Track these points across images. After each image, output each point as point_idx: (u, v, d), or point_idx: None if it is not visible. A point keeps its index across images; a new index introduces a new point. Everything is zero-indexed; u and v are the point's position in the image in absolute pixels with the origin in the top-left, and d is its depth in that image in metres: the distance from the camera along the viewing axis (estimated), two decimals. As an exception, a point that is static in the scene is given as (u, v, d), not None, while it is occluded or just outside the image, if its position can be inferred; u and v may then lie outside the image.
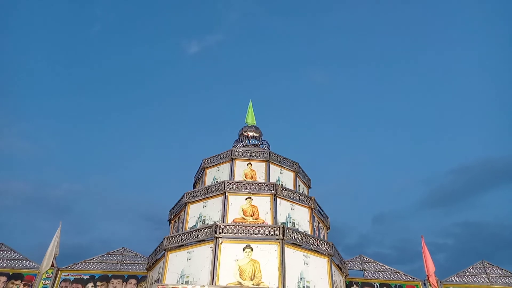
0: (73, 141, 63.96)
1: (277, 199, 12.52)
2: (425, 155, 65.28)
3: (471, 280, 14.67)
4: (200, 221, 12.37)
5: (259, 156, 14.32)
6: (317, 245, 11.52)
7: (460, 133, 63.62)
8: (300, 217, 12.74)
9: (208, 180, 14.37)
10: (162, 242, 11.79)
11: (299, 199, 13.08)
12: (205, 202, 12.79)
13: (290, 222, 12.33)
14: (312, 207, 13.13)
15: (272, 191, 12.56)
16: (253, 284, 10.07)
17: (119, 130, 67.55)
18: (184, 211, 13.01)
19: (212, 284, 9.85)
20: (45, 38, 61.13)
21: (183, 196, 13.39)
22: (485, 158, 58.25)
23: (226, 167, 14.29)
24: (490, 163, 57.68)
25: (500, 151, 58.09)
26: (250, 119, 16.94)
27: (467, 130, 63.36)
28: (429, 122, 66.74)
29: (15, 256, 14.58)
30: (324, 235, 13.73)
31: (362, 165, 66.22)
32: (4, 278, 13.92)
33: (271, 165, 14.20)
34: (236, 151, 14.39)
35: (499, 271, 14.93)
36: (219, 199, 12.52)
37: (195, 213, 12.73)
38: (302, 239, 11.31)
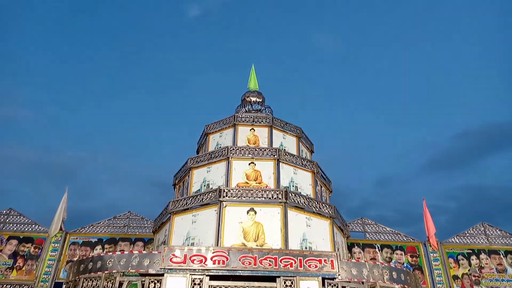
0: (76, 108, 63.92)
1: (280, 163, 12.61)
2: (429, 120, 65.00)
3: (470, 241, 14.98)
4: (204, 186, 12.53)
5: (262, 121, 14.30)
6: (319, 208, 11.71)
7: (465, 97, 62.95)
8: (302, 181, 12.86)
9: (212, 146, 14.44)
10: (167, 206, 12.02)
11: (302, 163, 13.16)
12: (208, 167, 12.90)
13: (293, 186, 12.47)
14: (315, 171, 13.24)
15: (275, 156, 12.63)
16: (256, 245, 10.33)
17: (122, 96, 67.30)
18: (188, 176, 13.16)
19: (217, 245, 10.11)
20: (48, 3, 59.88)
21: (187, 162, 13.51)
22: (489, 123, 57.97)
23: (229, 132, 14.31)
24: (493, 128, 57.47)
25: (504, 115, 57.74)
26: (253, 84, 16.77)
27: (471, 94, 62.64)
28: (434, 86, 65.90)
29: (25, 221, 14.95)
30: (326, 198, 13.92)
31: (366, 129, 66.12)
32: (15, 241, 14.34)
33: (274, 130, 14.20)
34: (239, 117, 14.36)
35: (498, 232, 15.21)
36: (223, 164, 12.62)
37: (199, 178, 12.88)
38: (304, 202, 11.49)
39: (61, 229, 14.45)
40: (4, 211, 15.10)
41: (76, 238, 14.71)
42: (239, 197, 11.14)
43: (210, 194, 11.35)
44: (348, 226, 13.86)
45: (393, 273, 9.63)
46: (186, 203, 11.52)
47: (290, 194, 11.28)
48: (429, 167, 62.22)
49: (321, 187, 13.73)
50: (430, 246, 14.48)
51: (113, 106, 66.73)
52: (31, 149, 56.67)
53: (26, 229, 14.72)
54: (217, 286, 8.81)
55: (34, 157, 56.62)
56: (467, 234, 15.14)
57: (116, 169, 62.43)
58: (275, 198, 11.16)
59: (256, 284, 8.88)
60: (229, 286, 8.82)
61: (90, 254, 12.51)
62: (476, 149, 59.06)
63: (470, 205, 56.40)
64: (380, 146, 64.85)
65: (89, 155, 61.90)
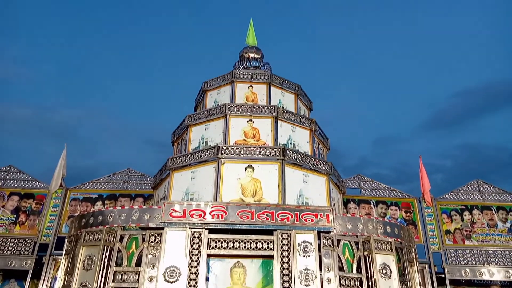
0: (71, 64, 62.85)
1: (278, 121, 12.59)
2: (428, 79, 64.37)
3: (464, 197, 15.29)
4: (203, 143, 12.57)
5: (260, 78, 14.12)
6: (317, 164, 11.83)
7: (464, 56, 62.02)
8: (300, 138, 12.90)
9: (209, 103, 14.34)
10: (166, 162, 12.12)
11: (300, 121, 13.15)
12: (206, 125, 12.89)
13: (291, 143, 12.52)
14: (313, 129, 13.25)
15: (273, 114, 12.59)
16: (254, 201, 10.53)
17: (119, 54, 65.97)
18: (186, 134, 13.17)
19: (216, 201, 10.30)
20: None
21: (184, 119, 13.46)
22: (488, 81, 57.56)
23: (227, 89, 14.17)
24: (493, 86, 57.13)
25: (503, 74, 57.14)
26: (251, 40, 16.40)
27: (471, 53, 61.66)
28: (433, 45, 64.70)
29: (25, 177, 15.11)
30: (323, 155, 14.03)
31: (365, 88, 65.63)
32: (16, 198, 14.57)
33: (272, 88, 14.06)
34: (237, 73, 14.16)
35: (492, 189, 15.49)
36: (221, 122, 12.60)
37: (197, 135, 12.89)
38: (302, 160, 11.59)
39: (61, 185, 14.64)
40: (4, 168, 15.22)
41: (77, 194, 14.94)
42: (237, 154, 11.22)
43: (208, 151, 11.41)
44: (344, 183, 14.08)
45: (387, 227, 9.89)
46: (185, 160, 11.61)
47: (287, 152, 11.36)
48: (427, 126, 62.45)
49: (319, 144, 13.80)
50: (425, 202, 14.80)
51: (109, 63, 65.62)
52: (27, 108, 56.36)
53: (27, 185, 14.90)
54: (216, 239, 9.05)
55: (31, 115, 56.42)
56: (461, 191, 15.43)
57: (113, 128, 62.41)
58: (272, 155, 11.25)
59: (254, 237, 9.12)
60: (227, 239, 9.07)
61: (91, 210, 12.72)
62: (474, 108, 59.02)
63: (466, 164, 57.16)
64: (379, 105, 64.65)
65: (86, 113, 61.68)
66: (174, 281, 8.43)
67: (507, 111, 58.12)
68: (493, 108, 58.77)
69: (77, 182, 15.41)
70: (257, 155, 11.23)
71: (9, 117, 54.82)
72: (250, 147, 11.38)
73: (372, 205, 15.01)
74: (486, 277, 13.68)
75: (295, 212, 9.28)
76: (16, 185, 14.88)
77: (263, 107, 12.76)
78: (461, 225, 14.69)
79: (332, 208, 9.59)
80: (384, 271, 9.07)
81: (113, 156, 58.33)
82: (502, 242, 14.45)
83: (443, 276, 13.74)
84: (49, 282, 12.99)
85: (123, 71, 66.47)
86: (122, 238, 9.17)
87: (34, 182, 15.01)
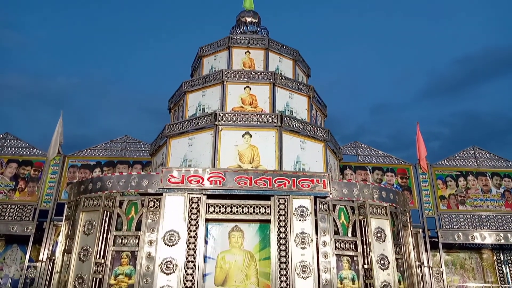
0: (65, 31, 61.52)
1: (276, 88, 12.49)
2: (427, 45, 63.49)
3: (460, 163, 15.44)
4: (200, 110, 12.51)
5: (257, 43, 13.87)
6: (314, 131, 11.84)
7: (464, 21, 60.94)
8: (298, 105, 12.84)
9: (206, 69, 14.15)
10: (163, 129, 12.10)
11: (298, 88, 13.04)
12: (203, 92, 12.78)
13: (288, 110, 12.48)
14: (311, 95, 13.17)
15: (271, 80, 12.46)
16: (252, 167, 10.61)
17: (114, 20, 64.50)
18: (183, 100, 13.08)
19: (214, 167, 10.37)
20: None
21: (181, 86, 13.33)
22: (488, 48, 56.82)
23: (223, 55, 13.94)
24: (492, 53, 56.46)
25: (503, 40, 56.36)
26: (248, 3, 15.97)
27: (471, 18, 60.56)
28: (433, 11, 63.40)
29: (22, 145, 15.09)
30: (321, 122, 14.03)
31: (363, 55, 64.79)
32: (14, 165, 14.61)
33: (270, 53, 13.84)
34: (234, 38, 13.90)
35: (488, 155, 15.62)
36: (218, 88, 12.49)
37: (194, 102, 12.81)
38: (299, 126, 11.59)
39: (59, 152, 14.65)
40: (1, 135, 15.16)
41: (75, 161, 14.98)
42: (235, 121, 11.20)
43: (205, 118, 11.38)
44: (341, 150, 14.15)
45: (383, 192, 10.03)
46: (182, 127, 11.59)
47: (285, 118, 11.33)
48: (426, 94, 62.18)
49: (316, 111, 13.76)
50: (420, 168, 14.94)
51: (104, 31, 64.24)
52: (22, 76, 55.61)
53: (25, 152, 14.90)
54: (214, 204, 9.19)
55: (26, 83, 55.76)
56: (457, 157, 15.56)
57: (110, 95, 61.91)
58: (270, 122, 11.23)
59: (251, 202, 9.26)
60: (225, 204, 9.20)
61: (90, 177, 12.81)
62: (473, 75, 58.61)
63: (463, 132, 57.39)
64: (377, 73, 64.07)
65: (82, 81, 60.99)
66: (174, 245, 8.62)
67: (506, 78, 57.80)
68: (493, 75, 58.39)
69: (74, 150, 15.45)
70: (254, 122, 11.22)
71: (5, 85, 54.17)
72: (247, 114, 11.34)
73: (368, 172, 15.17)
74: (478, 240, 14.04)
75: (292, 178, 9.38)
76: (13, 152, 14.88)
77: (261, 73, 12.61)
78: (455, 191, 14.92)
79: (328, 174, 9.69)
80: (378, 235, 9.29)
81: (110, 125, 58.19)
82: (495, 207, 14.73)
83: (436, 240, 14.09)
84: (51, 247, 13.25)
85: (118, 38, 65.16)
86: (121, 203, 9.29)
87: (31, 149, 15.00)
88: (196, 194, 9.13)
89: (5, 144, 15.01)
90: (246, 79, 12.50)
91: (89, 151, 15.26)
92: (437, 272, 13.76)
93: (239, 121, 11.20)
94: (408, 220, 10.82)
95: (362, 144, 15.90)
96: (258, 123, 11.22)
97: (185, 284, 8.35)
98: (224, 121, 11.13)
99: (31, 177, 14.45)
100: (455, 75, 58.92)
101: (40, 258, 13.14)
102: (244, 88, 12.46)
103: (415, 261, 10.66)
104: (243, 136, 11.10)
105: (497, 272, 14.81)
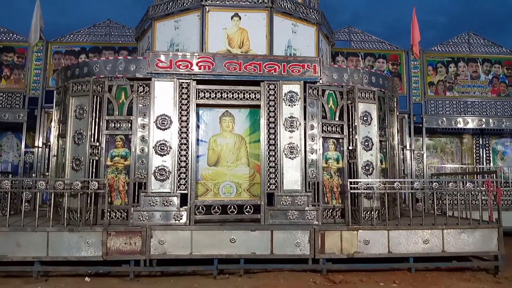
0: None
1: (267, -35, 11.52)
2: None
3: (452, 49, 15.21)
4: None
5: None
6: (307, 13, 11.32)
7: None
8: (290, -15, 12.02)
9: None
10: (147, 11, 11.46)
11: (291, -35, 12.05)
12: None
13: (280, -9, 11.70)
14: (304, -26, 12.26)
15: (261, -45, 11.43)
16: (241, 52, 10.37)
17: None
18: (167, -20, 12.12)
19: (202, 52, 10.11)
20: None
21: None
22: None
23: None
24: None
25: None
26: None
27: None
28: None
29: (1, 30, 14.35)
30: (314, 4, 13.32)
31: None
32: (-4, 49, 14.09)
33: None
34: None
35: (482, 41, 15.32)
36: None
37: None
38: (291, 8, 11.03)
39: (41, 38, 14.02)
40: (-22, 21, 14.32)
41: (58, 47, 14.45)
42: (222, 1, 10.58)
43: (191, -3, 10.68)
44: (334, 35, 13.73)
45: (372, 77, 10.03)
46: (167, 8, 10.95)
47: (276, -1, 10.70)
48: (426, -24, 58.17)
49: (310, -8, 12.96)
50: (413, 54, 14.74)
51: None
52: (-12, -47, 50.29)
53: (4, 38, 14.24)
54: (204, 89, 9.18)
55: (-6, -37, 50.76)
56: (451, 43, 15.27)
57: (88, -23, 57.12)
58: (260, 3, 10.64)
59: (241, 87, 9.26)
60: (215, 89, 9.20)
61: (76, 62, 12.50)
62: (480, -45, 54.39)
63: (461, 20, 55.29)
64: (378, -48, 59.16)
65: (56, -39, 55.55)
66: (166, 128, 8.82)
67: (513, -41, 53.72)
68: (500, -45, 54.20)
69: (58, 36, 14.81)
70: (243, 2, 10.61)
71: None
72: (236, -6, 10.66)
73: (360, 58, 14.97)
74: (460, 125, 14.58)
75: (282, 63, 9.24)
76: (-7, 38, 14.20)
77: None
78: (445, 77, 14.98)
79: (319, 59, 9.54)
80: (365, 118, 9.54)
81: (92, 12, 54.69)
82: (482, 93, 14.98)
83: (421, 125, 14.59)
84: (45, 133, 13.54)
85: None
86: (110, 88, 9.23)
87: (11, 34, 14.31)
88: (186, 79, 9.04)
89: (-17, 30, 14.26)
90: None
91: (72, 36, 14.62)
92: (418, 154, 14.56)
93: (228, 1, 10.58)
94: (395, 105, 11.03)
95: (356, 29, 15.40)
96: (248, 3, 10.62)
97: (179, 164, 8.77)
98: (211, 1, 10.51)
99: (15, 64, 14.04)
100: (460, -44, 54.60)
101: (36, 144, 13.52)
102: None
103: (398, 144, 11.16)
104: (231, 18, 10.60)
105: (474, 155, 15.70)
